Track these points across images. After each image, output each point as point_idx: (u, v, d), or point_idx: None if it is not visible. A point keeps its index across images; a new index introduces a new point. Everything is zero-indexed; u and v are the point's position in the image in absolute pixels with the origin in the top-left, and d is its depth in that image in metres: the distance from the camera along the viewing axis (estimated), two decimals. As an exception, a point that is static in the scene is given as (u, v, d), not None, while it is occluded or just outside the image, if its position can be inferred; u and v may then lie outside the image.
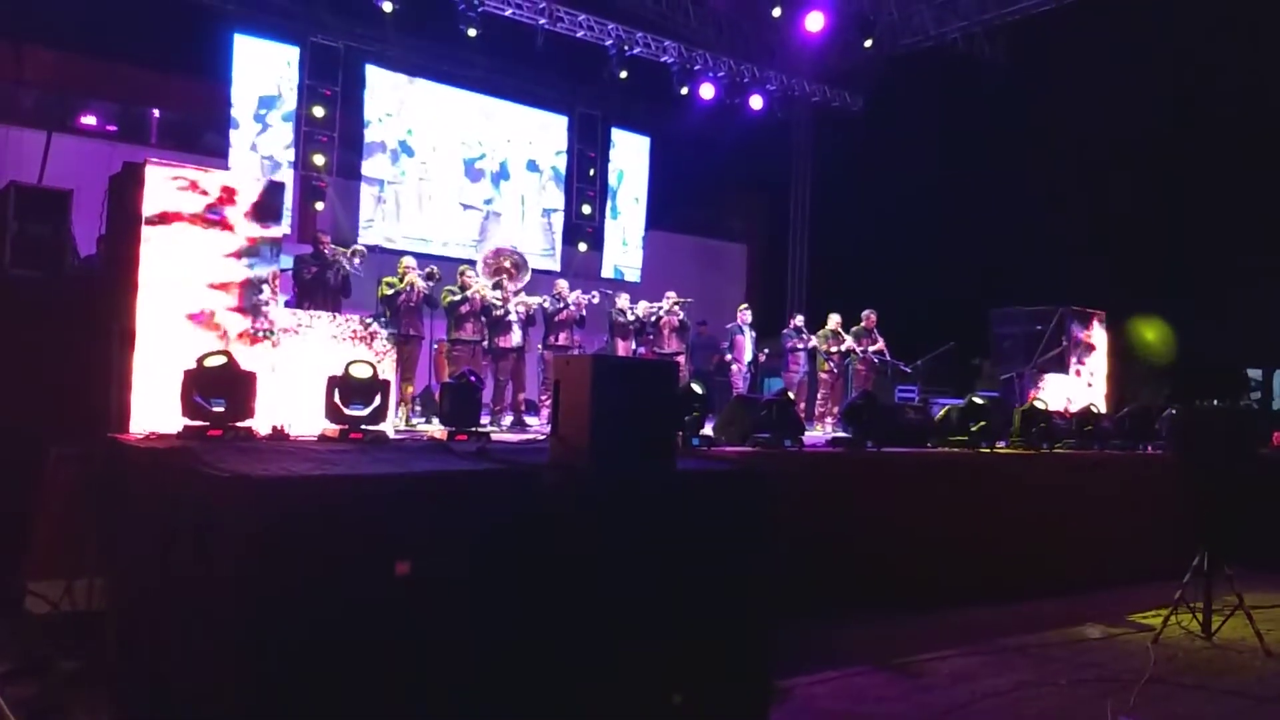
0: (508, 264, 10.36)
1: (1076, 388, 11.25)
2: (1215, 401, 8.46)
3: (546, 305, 10.12)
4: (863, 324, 11.82)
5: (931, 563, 6.59)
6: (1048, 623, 6.31)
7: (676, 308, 11.23)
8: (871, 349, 11.68)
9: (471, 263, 10.86)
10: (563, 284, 10.55)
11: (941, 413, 7.94)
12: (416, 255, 11.00)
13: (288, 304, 8.90)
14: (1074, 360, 11.38)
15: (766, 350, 12.40)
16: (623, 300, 11.08)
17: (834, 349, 11.58)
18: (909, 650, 5.54)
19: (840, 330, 11.71)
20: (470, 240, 15.14)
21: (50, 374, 5.32)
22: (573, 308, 10.17)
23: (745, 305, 12.20)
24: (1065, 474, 7.83)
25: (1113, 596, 7.15)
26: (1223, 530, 6.16)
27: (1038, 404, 8.58)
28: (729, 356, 11.84)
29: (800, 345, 11.72)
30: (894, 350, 12.16)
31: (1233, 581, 5.93)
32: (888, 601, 6.24)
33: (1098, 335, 11.76)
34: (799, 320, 12.03)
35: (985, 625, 6.18)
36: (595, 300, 10.55)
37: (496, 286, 9.83)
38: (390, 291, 9.21)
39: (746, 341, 11.80)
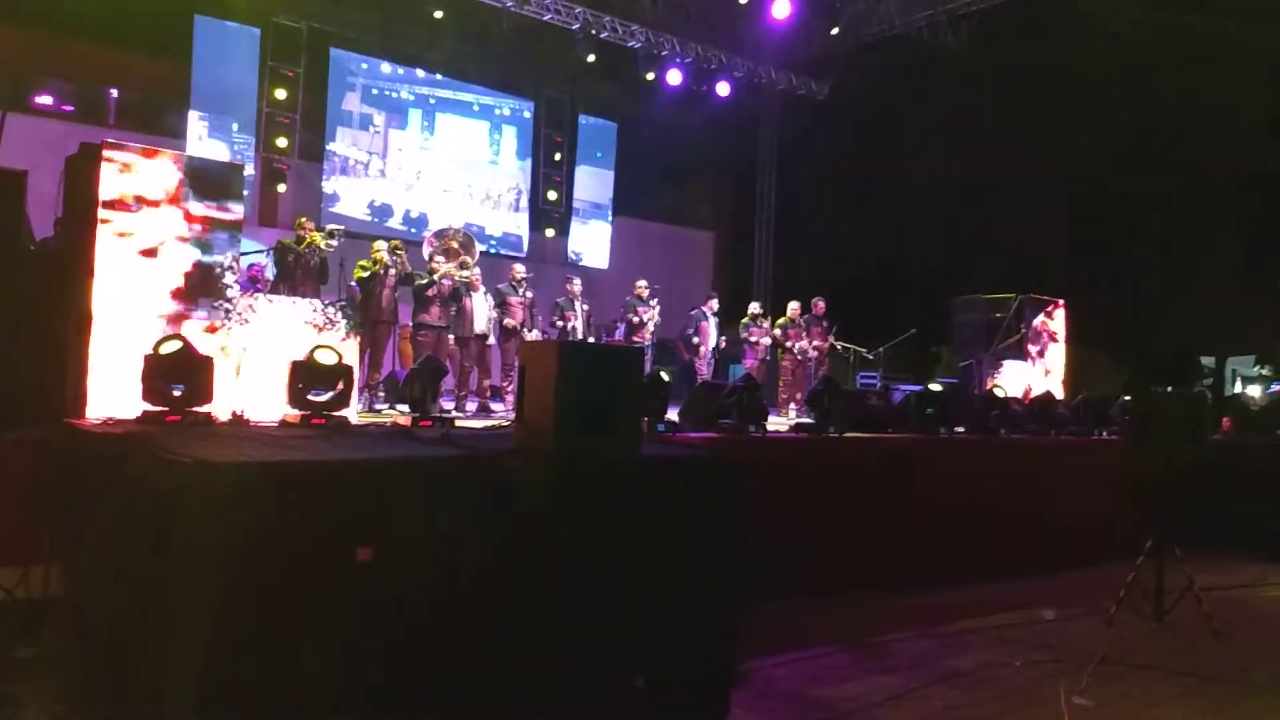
0: (454, 244, 10.32)
1: (1034, 374, 11.43)
2: (1168, 388, 8.61)
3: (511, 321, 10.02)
4: (812, 311, 11.89)
5: (892, 547, 6.68)
6: (1004, 606, 6.42)
7: (655, 313, 11.21)
8: (811, 345, 11.68)
9: (430, 235, 10.82)
10: (519, 268, 10.49)
11: (902, 399, 8.03)
12: (384, 239, 10.91)
13: (270, 288, 8.84)
14: (1032, 347, 11.56)
15: (724, 338, 12.46)
16: (576, 285, 11.00)
17: (791, 345, 11.66)
18: (870, 633, 5.62)
19: (798, 319, 11.78)
20: (438, 223, 15.04)
21: (5, 358, 5.22)
22: (524, 299, 10.10)
23: (713, 293, 12.25)
24: (1022, 459, 7.96)
25: (1068, 580, 7.30)
26: (1175, 514, 6.29)
27: (996, 390, 8.70)
28: (695, 340, 11.87)
29: (755, 334, 11.77)
30: (855, 337, 12.26)
31: (1184, 564, 6.06)
32: (849, 585, 6.32)
33: (1056, 323, 11.95)
34: (755, 308, 12.09)
35: (944, 608, 6.28)
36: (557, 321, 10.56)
37: (462, 266, 9.78)
38: (365, 274, 9.16)
39: (711, 328, 11.85)
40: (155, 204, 5.41)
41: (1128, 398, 9.18)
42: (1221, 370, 14.57)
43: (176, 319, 5.44)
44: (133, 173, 5.36)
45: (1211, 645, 5.68)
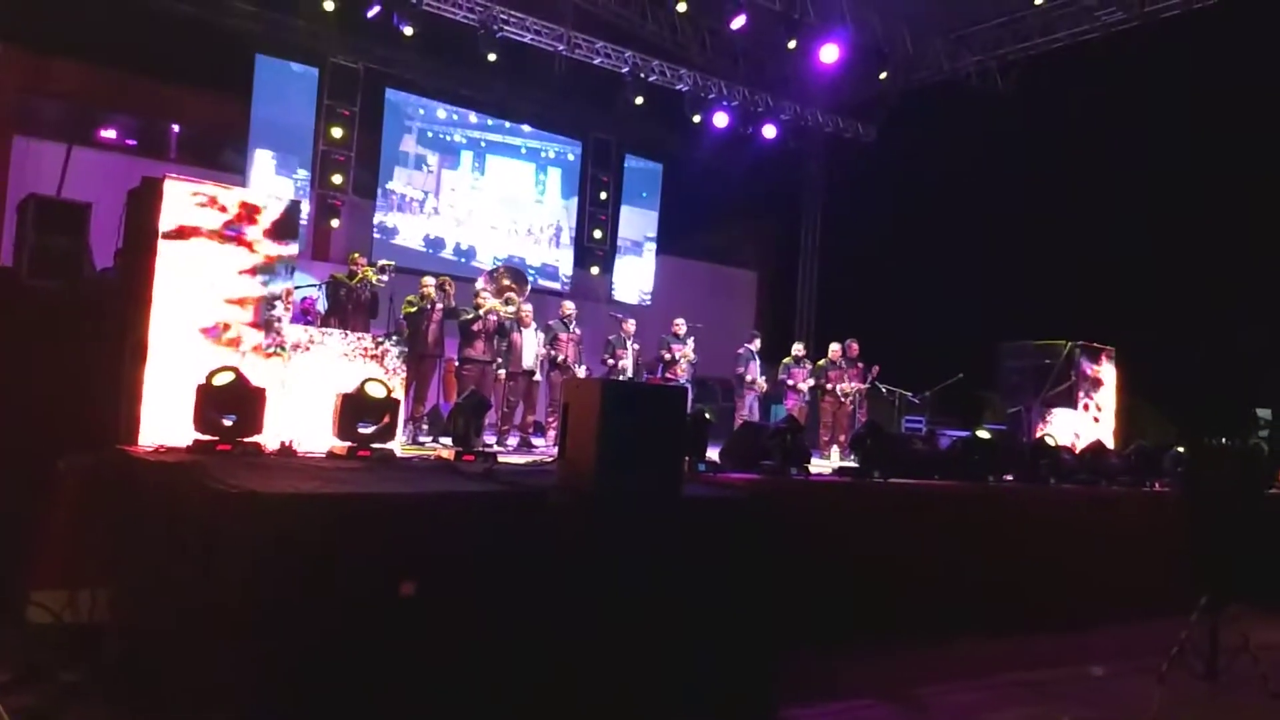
0: (506, 282, 10.43)
1: (1084, 423, 11.22)
2: (1223, 439, 8.41)
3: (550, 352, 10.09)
4: (846, 354, 11.80)
5: (936, 595, 6.55)
6: (1051, 659, 6.26)
7: (689, 350, 11.24)
8: (840, 386, 11.59)
9: (483, 274, 10.96)
10: (569, 305, 10.57)
11: (949, 445, 7.92)
12: (433, 274, 11.06)
13: (321, 321, 9.00)
14: (1082, 395, 11.36)
15: (765, 378, 12.39)
16: (629, 326, 11.04)
17: (832, 387, 11.58)
18: (912, 683, 5.50)
19: (839, 361, 11.71)
20: (486, 255, 15.31)
21: (62, 384, 5.35)
22: (574, 336, 10.17)
23: (756, 333, 12.21)
24: (1072, 509, 7.79)
25: (1118, 634, 7.09)
26: (1230, 569, 6.12)
27: (1047, 439, 8.55)
28: (750, 379, 11.81)
29: (797, 376, 11.70)
30: (901, 380, 12.16)
31: (1240, 621, 5.88)
32: (891, 633, 6.20)
33: (1106, 371, 11.74)
34: (798, 349, 12.05)
35: (989, 660, 6.14)
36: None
37: (508, 303, 9.88)
38: (413, 310, 9.30)
39: (756, 368, 11.80)
40: (213, 237, 5.54)
41: (1181, 449, 8.98)
42: (1279, 422, 14.20)
43: (230, 350, 5.54)
44: (192, 207, 5.49)
45: (1267, 706, 5.48)
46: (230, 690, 2.99)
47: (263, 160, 13.54)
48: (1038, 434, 9.94)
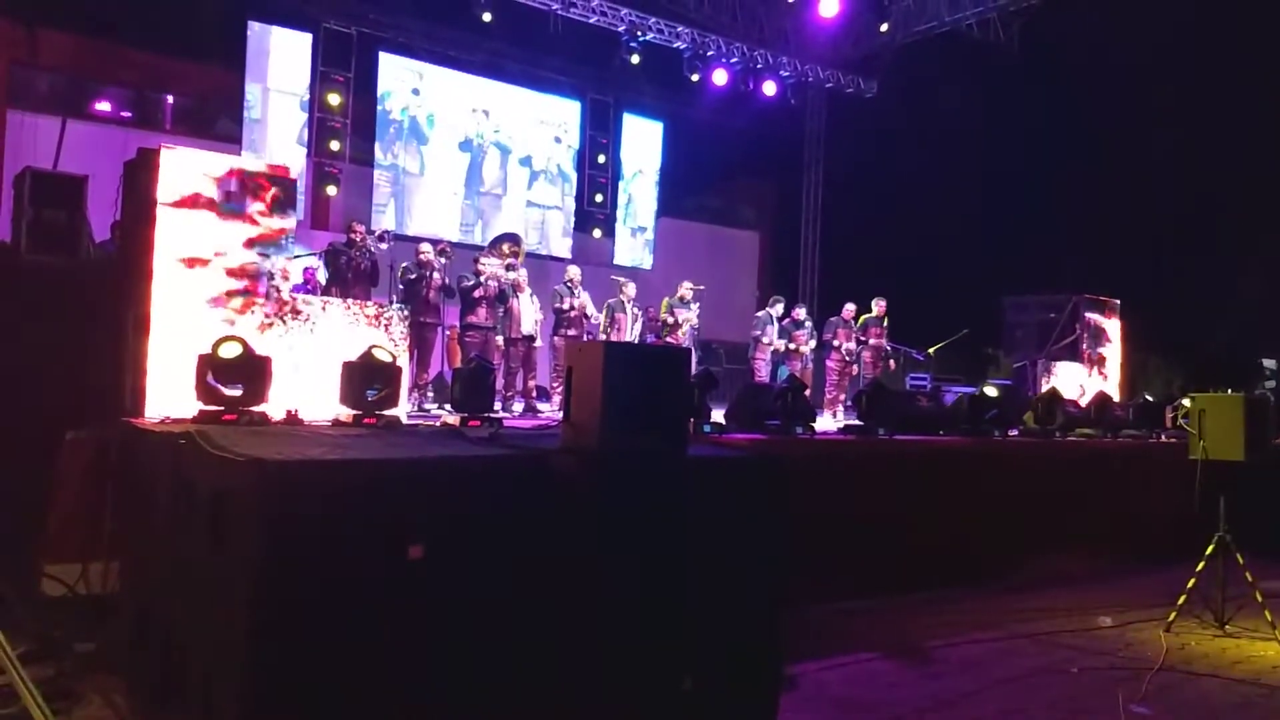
0: (506, 247, 10.41)
1: (1089, 376, 11.22)
2: (1229, 390, 8.39)
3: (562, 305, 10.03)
4: (874, 312, 11.76)
5: (943, 550, 6.59)
6: (1059, 610, 6.30)
7: (692, 315, 11.19)
8: (845, 345, 11.53)
9: (484, 249, 10.93)
10: (574, 270, 10.53)
11: (954, 401, 7.92)
12: (431, 241, 11.01)
13: (322, 291, 8.97)
14: (1087, 348, 11.34)
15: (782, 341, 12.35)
16: (630, 289, 11.00)
17: (839, 345, 11.56)
18: (920, 637, 5.54)
19: (850, 321, 11.68)
20: (484, 226, 15.22)
21: (66, 359, 5.35)
22: (577, 308, 10.12)
23: (777, 298, 12.09)
24: (1078, 462, 7.80)
25: (1125, 585, 7.13)
26: (1236, 519, 6.13)
27: (1056, 392, 8.55)
28: (766, 342, 11.75)
29: (799, 339, 11.69)
30: (905, 337, 12.13)
31: (1246, 570, 5.90)
32: (899, 588, 6.24)
33: (1111, 323, 11.71)
34: (800, 313, 12.02)
35: (996, 612, 6.18)
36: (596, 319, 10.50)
37: (509, 269, 9.84)
38: (412, 277, 9.27)
39: (774, 331, 11.72)
40: (211, 208, 5.50)
41: (1187, 401, 8.96)
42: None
43: (232, 321, 5.52)
44: (189, 177, 5.46)
45: (1275, 653, 5.51)
46: (240, 657, 3.00)
47: (257, 128, 13.41)
48: (1042, 388, 9.93)
